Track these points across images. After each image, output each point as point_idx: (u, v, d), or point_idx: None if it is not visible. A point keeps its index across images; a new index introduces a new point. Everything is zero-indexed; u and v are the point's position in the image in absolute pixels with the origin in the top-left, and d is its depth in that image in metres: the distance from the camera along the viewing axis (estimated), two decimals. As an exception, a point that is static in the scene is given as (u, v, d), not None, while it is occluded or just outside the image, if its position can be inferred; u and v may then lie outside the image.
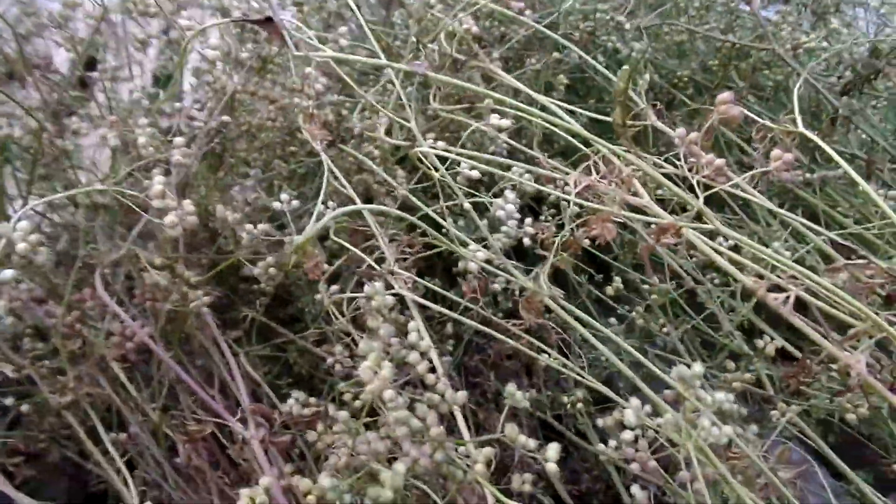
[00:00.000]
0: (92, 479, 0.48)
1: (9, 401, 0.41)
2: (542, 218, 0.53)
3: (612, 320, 0.49)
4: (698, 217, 0.36)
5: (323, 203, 0.45)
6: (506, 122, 0.37)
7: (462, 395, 0.31)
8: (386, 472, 0.29)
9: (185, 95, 0.54)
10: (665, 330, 0.55)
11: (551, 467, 0.29)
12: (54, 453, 0.48)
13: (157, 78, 0.66)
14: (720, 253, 0.34)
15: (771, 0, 0.73)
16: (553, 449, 0.29)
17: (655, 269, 0.60)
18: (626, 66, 0.36)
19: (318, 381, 0.59)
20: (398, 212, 0.38)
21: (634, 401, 0.31)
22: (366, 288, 0.32)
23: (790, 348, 0.51)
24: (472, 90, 0.37)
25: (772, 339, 0.47)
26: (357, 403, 0.34)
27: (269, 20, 0.32)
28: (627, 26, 0.57)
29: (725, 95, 0.34)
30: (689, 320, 0.55)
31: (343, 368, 0.49)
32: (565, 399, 0.48)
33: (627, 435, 0.31)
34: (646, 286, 0.50)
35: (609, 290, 0.51)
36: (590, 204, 0.34)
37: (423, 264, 0.47)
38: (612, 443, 0.43)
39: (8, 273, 0.28)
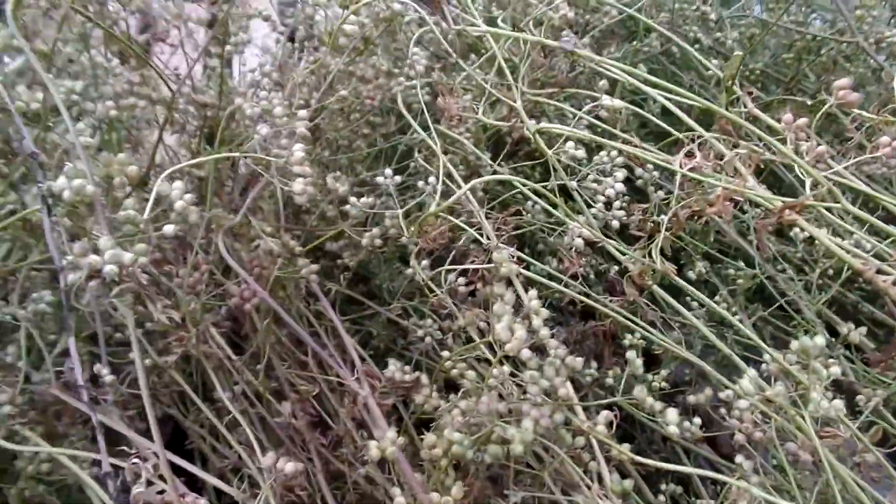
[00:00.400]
0: (193, 437, 0.50)
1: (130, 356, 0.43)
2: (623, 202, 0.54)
3: (695, 304, 0.50)
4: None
5: (423, 179, 0.47)
6: (619, 103, 0.39)
7: (580, 360, 0.33)
8: (514, 430, 0.30)
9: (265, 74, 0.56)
10: (738, 317, 0.56)
11: (672, 429, 0.30)
12: (157, 409, 0.50)
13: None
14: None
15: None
16: (672, 412, 0.31)
17: (726, 261, 0.61)
18: (737, 53, 0.37)
19: (396, 356, 0.61)
20: (519, 181, 0.39)
21: (752, 371, 0.32)
22: (494, 255, 0.34)
23: (864, 340, 0.52)
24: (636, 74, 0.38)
25: (854, 328, 0.48)
26: (471, 377, 0.35)
27: None
28: (713, 16, 0.57)
29: (844, 81, 0.35)
30: (762, 309, 0.56)
31: (433, 340, 0.51)
32: (650, 377, 0.49)
33: (742, 403, 0.32)
34: (730, 271, 0.51)
35: (691, 274, 0.52)
36: (702, 177, 0.35)
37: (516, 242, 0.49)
38: (697, 421, 0.45)
39: (171, 228, 0.30)
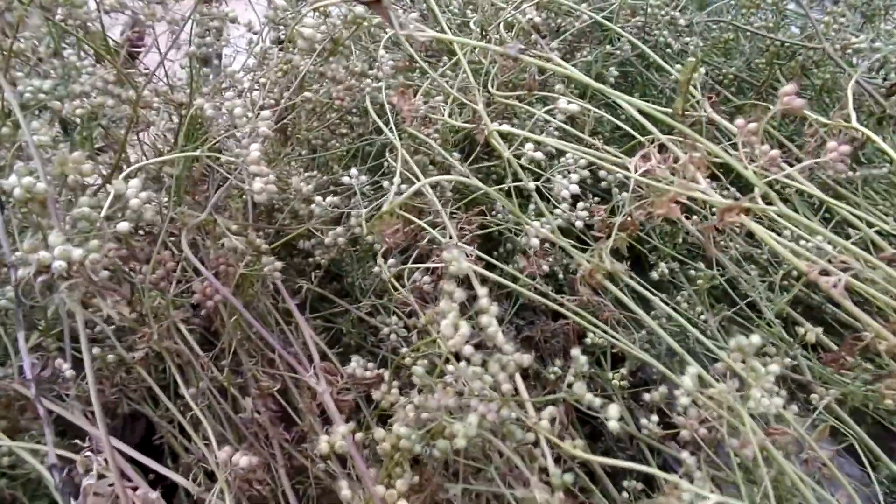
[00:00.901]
0: (163, 433, 0.51)
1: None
2: (591, 203, 0.55)
3: (656, 303, 0.51)
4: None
5: (385, 180, 0.48)
6: (573, 107, 0.39)
7: (528, 357, 0.33)
8: (459, 425, 0.31)
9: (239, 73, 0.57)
10: (703, 318, 0.57)
11: (613, 425, 0.31)
12: (123, 406, 0.51)
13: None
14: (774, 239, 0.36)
15: (817, 1, 0.74)
16: (613, 408, 0.32)
17: (693, 260, 0.62)
18: (690, 59, 0.38)
19: (366, 353, 0.61)
20: (477, 182, 0.40)
21: (692, 369, 0.33)
22: (444, 254, 0.34)
23: (825, 340, 0.53)
24: (561, 71, 0.39)
25: (811, 328, 0.49)
26: (419, 373, 0.36)
27: (377, 1, 0.34)
28: (682, 21, 0.58)
29: (788, 88, 0.35)
30: (727, 308, 0.57)
31: (398, 338, 0.51)
32: (610, 376, 0.50)
33: (684, 400, 0.33)
34: (692, 272, 0.52)
35: (654, 274, 0.53)
36: (657, 184, 0.36)
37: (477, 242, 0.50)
38: (654, 418, 0.46)
39: (125, 225, 0.30)
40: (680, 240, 0.61)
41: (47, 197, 0.28)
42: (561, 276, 0.58)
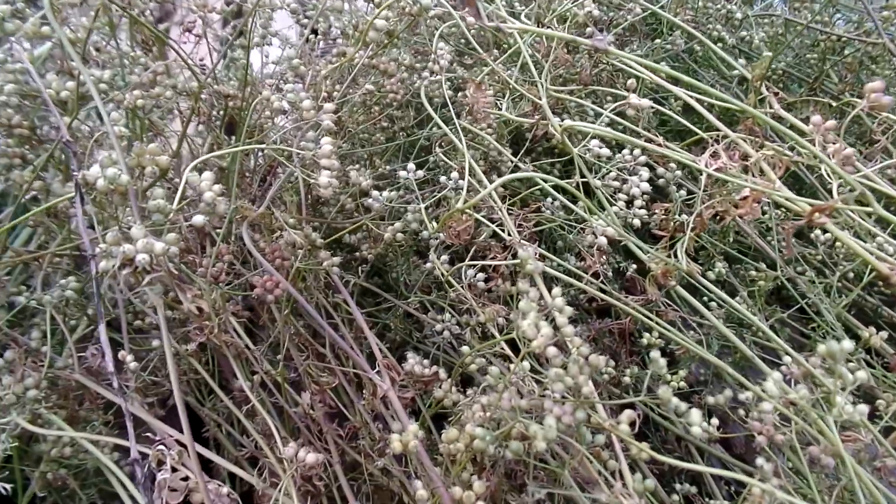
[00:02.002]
0: (209, 425, 0.51)
1: (153, 343, 0.43)
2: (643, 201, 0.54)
3: (713, 305, 0.50)
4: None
5: (445, 174, 0.47)
6: (646, 102, 0.38)
7: (604, 358, 0.33)
8: (536, 426, 0.30)
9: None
10: (757, 319, 0.56)
11: (696, 430, 0.30)
12: (174, 399, 0.51)
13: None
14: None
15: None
16: (696, 413, 0.31)
17: (745, 262, 0.61)
18: (766, 53, 0.37)
19: (411, 349, 0.61)
20: (544, 179, 0.39)
21: (776, 374, 0.32)
22: (519, 253, 0.33)
23: (885, 345, 0.52)
24: (660, 70, 0.38)
25: (876, 332, 0.48)
26: (494, 373, 0.36)
27: None
28: (738, 15, 0.57)
29: (877, 84, 0.34)
30: (780, 311, 0.56)
31: (451, 335, 0.51)
32: (669, 377, 0.49)
33: (766, 406, 0.32)
34: (752, 272, 0.51)
35: (711, 274, 0.51)
36: (730, 178, 0.35)
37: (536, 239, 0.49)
38: (715, 422, 0.45)
39: (200, 218, 0.30)
40: (731, 239, 0.60)
41: (128, 188, 0.28)
42: (610, 274, 0.57)
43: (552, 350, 0.29)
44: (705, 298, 0.55)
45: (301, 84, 0.53)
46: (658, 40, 0.63)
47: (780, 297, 0.64)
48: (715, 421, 0.45)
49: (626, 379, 0.48)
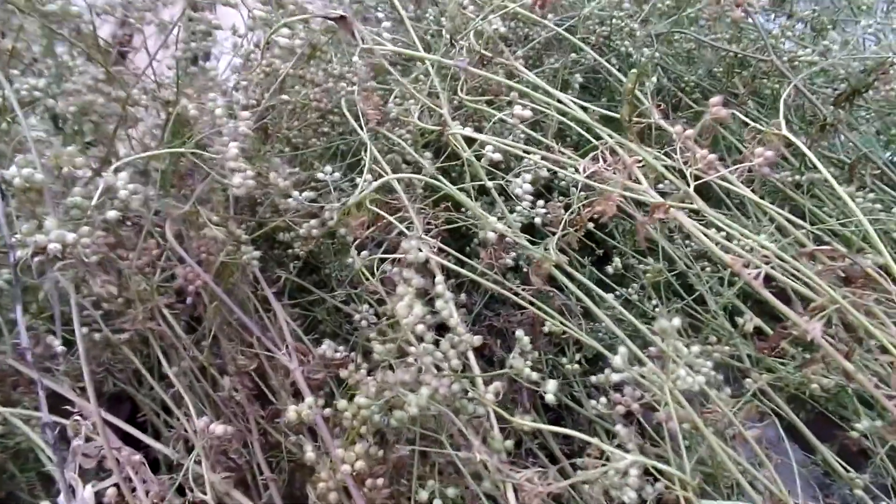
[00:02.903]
0: (146, 411, 0.54)
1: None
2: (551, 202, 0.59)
3: (611, 296, 0.55)
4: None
5: (361, 176, 0.51)
6: (527, 113, 0.43)
7: (478, 337, 0.37)
8: (411, 395, 0.35)
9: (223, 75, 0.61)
10: (657, 309, 0.61)
11: (550, 398, 0.35)
12: (108, 385, 0.54)
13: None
14: (706, 235, 0.40)
15: (775, 14, 0.78)
16: (552, 383, 0.35)
17: (652, 256, 0.66)
18: (634, 70, 0.42)
19: (341, 340, 0.65)
20: (437, 181, 0.44)
21: (622, 349, 0.36)
22: (403, 244, 0.38)
23: (767, 329, 0.57)
24: (501, 83, 0.43)
25: (751, 318, 0.53)
26: (380, 350, 0.40)
27: (342, 18, 0.38)
28: (639, 33, 0.62)
29: (717, 99, 0.40)
30: (678, 301, 0.62)
31: (368, 324, 0.55)
32: (564, 361, 0.54)
33: (615, 377, 0.37)
34: (642, 267, 0.56)
35: (609, 268, 0.57)
36: (597, 184, 0.40)
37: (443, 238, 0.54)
38: (603, 399, 0.50)
39: (113, 213, 0.34)
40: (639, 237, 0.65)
41: (44, 186, 0.32)
42: (525, 269, 0.62)
43: (420, 328, 0.33)
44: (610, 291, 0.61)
45: (239, 91, 0.57)
46: (574, 54, 0.68)
47: (685, 291, 0.70)
48: (603, 399, 0.50)
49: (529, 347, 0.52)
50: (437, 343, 0.36)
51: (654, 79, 0.57)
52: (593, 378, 0.47)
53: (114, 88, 0.53)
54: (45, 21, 0.40)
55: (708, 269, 0.61)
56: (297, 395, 0.49)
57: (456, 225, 0.57)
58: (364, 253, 0.52)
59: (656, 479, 0.39)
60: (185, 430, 0.47)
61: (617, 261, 0.57)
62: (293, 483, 0.48)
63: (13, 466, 0.51)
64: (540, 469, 0.32)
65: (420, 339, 0.35)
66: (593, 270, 0.65)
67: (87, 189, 0.35)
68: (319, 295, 0.59)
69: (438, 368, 0.35)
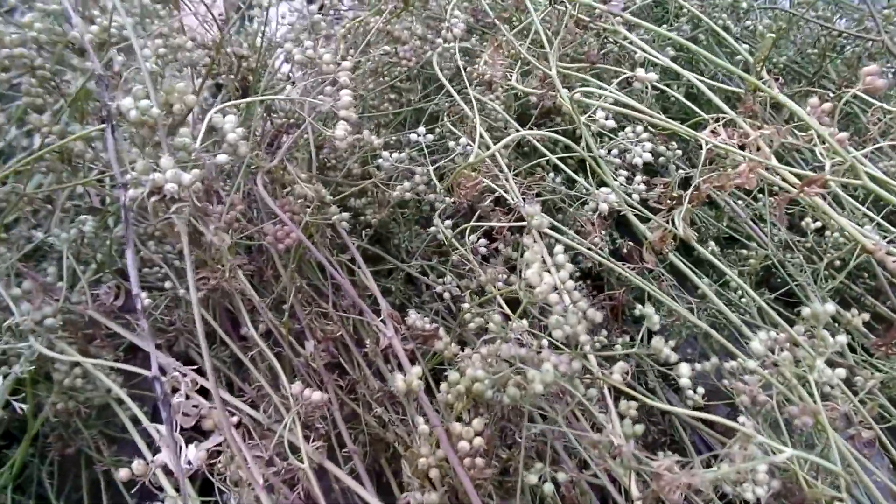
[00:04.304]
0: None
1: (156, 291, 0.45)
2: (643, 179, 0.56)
3: (706, 281, 0.52)
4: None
5: (454, 140, 0.48)
6: (653, 76, 0.40)
7: (601, 314, 0.34)
8: (534, 372, 0.32)
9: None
10: (744, 300, 0.58)
11: (684, 382, 0.32)
12: (180, 343, 0.52)
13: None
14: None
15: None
16: (685, 366, 0.33)
17: (733, 246, 0.63)
18: (769, 35, 0.38)
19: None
20: (551, 151, 0.40)
21: (762, 334, 0.33)
22: (526, 209, 0.35)
23: (865, 330, 0.54)
24: (617, 45, 0.39)
25: (859, 313, 0.50)
26: (496, 321, 0.37)
27: None
28: (744, 5, 0.58)
29: (872, 68, 0.36)
30: (768, 294, 0.58)
31: (451, 297, 0.52)
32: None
33: (751, 364, 0.34)
34: (743, 251, 0.53)
35: (705, 252, 0.53)
36: (736, 152, 0.37)
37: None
38: (701, 390, 0.47)
39: (223, 157, 0.31)
40: (724, 224, 0.62)
41: (158, 121, 0.29)
42: (606, 250, 0.59)
43: (554, 297, 0.31)
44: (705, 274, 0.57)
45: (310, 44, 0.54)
46: (664, 27, 0.64)
47: (770, 285, 0.66)
48: (701, 390, 0.47)
49: (618, 348, 0.50)
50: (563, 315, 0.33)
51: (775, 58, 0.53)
52: (698, 366, 0.44)
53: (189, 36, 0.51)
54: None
55: (798, 258, 0.58)
56: (376, 369, 0.47)
57: (546, 198, 0.54)
58: (448, 222, 0.49)
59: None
60: (259, 394, 0.45)
61: (712, 244, 0.54)
62: (371, 457, 0.46)
63: (78, 421, 0.49)
64: (680, 459, 0.29)
65: (548, 309, 0.32)
66: (677, 255, 0.61)
67: (195, 129, 0.32)
68: (395, 264, 0.57)
69: (567, 344, 0.32)
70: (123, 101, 0.28)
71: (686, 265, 0.49)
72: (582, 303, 0.34)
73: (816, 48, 0.69)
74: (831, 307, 0.32)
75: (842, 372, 0.34)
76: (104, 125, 0.31)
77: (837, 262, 0.59)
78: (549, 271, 0.33)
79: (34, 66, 0.43)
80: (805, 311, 0.32)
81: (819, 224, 0.58)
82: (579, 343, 0.32)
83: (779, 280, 0.60)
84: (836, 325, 0.53)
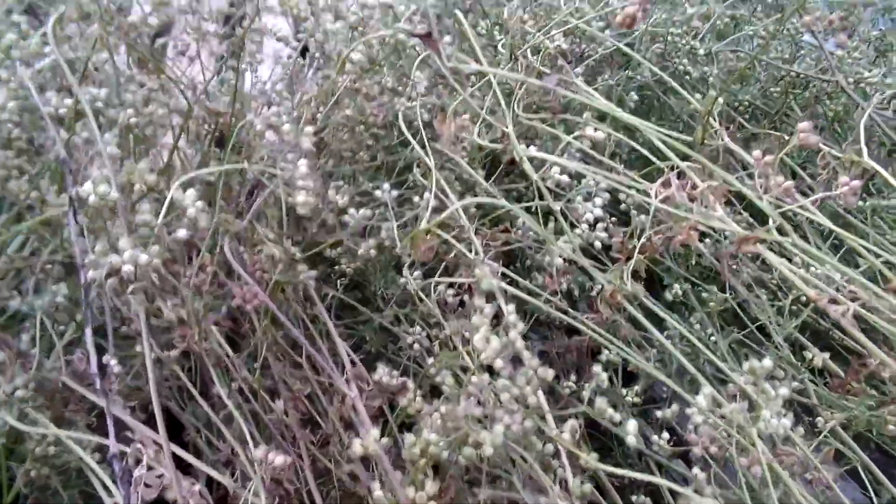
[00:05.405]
0: (189, 430, 0.53)
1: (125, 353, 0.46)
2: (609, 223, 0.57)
3: (669, 323, 0.53)
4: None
5: (410, 191, 0.50)
6: (600, 135, 0.42)
7: (551, 371, 0.35)
8: (486, 433, 0.33)
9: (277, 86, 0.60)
10: (714, 339, 0.59)
11: (631, 440, 0.33)
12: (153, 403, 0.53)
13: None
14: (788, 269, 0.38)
15: (830, 32, 0.76)
16: (632, 424, 0.34)
17: (706, 282, 0.64)
18: (712, 92, 0.40)
19: (386, 360, 0.63)
20: (506, 204, 0.42)
21: (706, 389, 0.34)
22: (476, 271, 0.36)
23: (831, 365, 0.55)
24: (570, 100, 0.41)
25: (818, 353, 0.51)
26: (450, 385, 0.38)
27: (428, 35, 0.36)
28: (701, 51, 0.60)
29: (805, 125, 0.38)
30: (737, 331, 0.59)
31: (421, 347, 0.53)
32: (624, 392, 0.52)
33: (697, 418, 0.35)
34: (704, 294, 0.54)
35: (668, 295, 0.54)
36: (672, 210, 0.38)
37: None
38: (665, 435, 0.48)
39: (183, 232, 0.33)
40: (693, 262, 0.63)
41: (118, 205, 0.31)
42: (576, 293, 0.60)
43: (499, 362, 0.32)
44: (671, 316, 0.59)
45: (288, 102, 0.56)
46: (628, 71, 0.66)
47: (739, 319, 0.67)
48: (666, 435, 0.48)
49: (585, 393, 0.50)
50: (511, 378, 0.34)
51: (721, 100, 0.55)
52: (659, 413, 0.45)
53: (168, 98, 0.53)
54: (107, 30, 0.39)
55: (764, 295, 0.59)
56: (349, 422, 0.47)
57: (512, 246, 0.55)
58: (417, 273, 0.50)
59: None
60: (233, 454, 0.46)
61: (677, 287, 0.55)
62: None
63: (56, 482, 0.50)
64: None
65: (496, 373, 0.33)
66: (647, 297, 0.63)
67: (156, 206, 0.34)
68: (368, 315, 0.58)
69: (517, 404, 0.33)
70: (83, 187, 0.30)
71: (655, 304, 0.51)
72: (534, 361, 0.35)
73: (779, 87, 0.71)
74: (768, 362, 0.33)
75: (787, 423, 0.35)
76: (67, 208, 0.33)
77: (804, 297, 0.60)
78: (497, 334, 0.34)
79: (11, 138, 0.44)
80: (745, 366, 0.33)
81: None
82: (528, 403, 0.33)
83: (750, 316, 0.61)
84: (802, 361, 0.54)
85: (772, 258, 0.37)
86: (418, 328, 0.53)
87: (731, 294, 0.55)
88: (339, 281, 0.60)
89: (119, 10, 0.50)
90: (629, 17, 0.37)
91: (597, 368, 0.35)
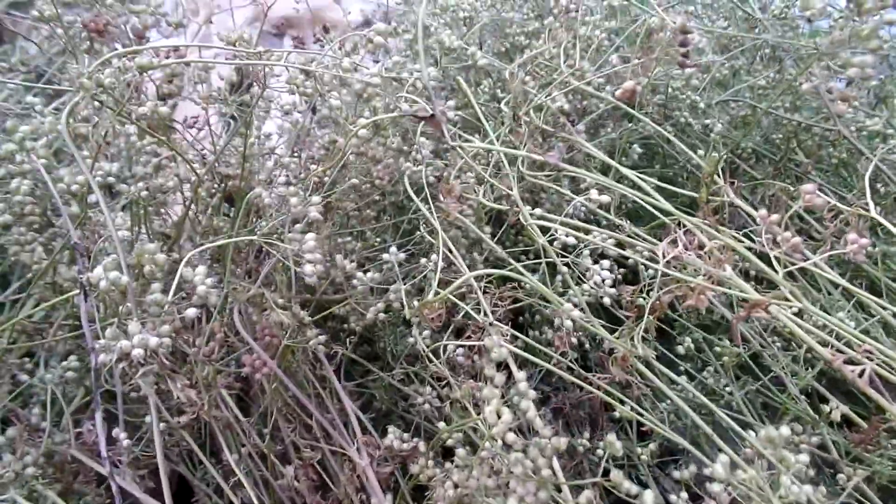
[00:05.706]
0: (199, 495, 0.53)
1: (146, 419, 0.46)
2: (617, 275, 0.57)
3: (682, 379, 0.53)
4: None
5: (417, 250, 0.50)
6: (605, 199, 0.42)
7: (565, 440, 0.35)
8: (499, 506, 0.33)
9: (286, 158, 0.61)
10: (728, 390, 0.58)
11: (648, 512, 0.32)
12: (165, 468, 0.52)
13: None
14: (801, 326, 0.37)
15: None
16: (649, 495, 0.33)
17: (718, 332, 0.63)
18: (714, 154, 0.41)
19: (397, 417, 0.63)
20: (514, 264, 0.42)
21: (723, 457, 0.34)
22: (486, 340, 0.36)
23: (851, 415, 0.54)
24: (587, 176, 0.42)
25: (837, 406, 0.50)
26: (462, 456, 0.38)
27: (432, 116, 0.37)
28: (701, 105, 0.61)
29: (808, 187, 0.38)
30: (752, 382, 0.58)
31: (431, 408, 0.53)
32: (639, 450, 0.51)
33: (716, 487, 0.34)
34: (717, 348, 0.53)
35: (680, 349, 0.54)
36: (678, 275, 0.38)
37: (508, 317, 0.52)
38: (684, 495, 0.46)
39: (193, 311, 0.33)
40: (703, 313, 0.63)
41: (128, 289, 0.31)
42: (587, 345, 0.60)
43: (511, 437, 0.31)
44: (681, 369, 0.58)
45: (294, 165, 0.57)
46: (630, 123, 0.67)
47: (754, 370, 0.66)
48: (684, 495, 0.47)
49: (600, 452, 0.50)
50: (524, 449, 0.33)
51: (723, 154, 0.55)
52: (676, 474, 0.44)
53: (177, 165, 0.54)
54: (124, 117, 0.40)
55: (778, 344, 0.58)
56: (361, 486, 0.47)
57: (518, 304, 0.55)
58: (426, 332, 0.50)
59: None
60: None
61: (688, 340, 0.55)
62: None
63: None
64: None
65: (508, 446, 0.33)
66: (657, 346, 0.62)
67: (165, 284, 0.34)
68: (378, 374, 0.58)
69: (530, 475, 0.33)
70: (93, 272, 0.30)
71: (667, 354, 0.50)
72: (546, 430, 0.35)
73: (781, 134, 0.71)
74: (786, 430, 0.32)
75: (809, 489, 0.34)
76: (77, 293, 0.33)
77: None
78: (508, 403, 0.34)
79: (24, 213, 0.45)
80: (761, 434, 0.33)
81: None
82: (542, 476, 0.33)
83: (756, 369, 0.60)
84: (818, 413, 0.53)
85: (785, 320, 0.37)
86: (428, 388, 0.52)
87: (744, 346, 0.54)
88: (348, 339, 0.60)
89: (129, 85, 0.52)
90: (628, 91, 0.38)
91: (611, 437, 0.34)
